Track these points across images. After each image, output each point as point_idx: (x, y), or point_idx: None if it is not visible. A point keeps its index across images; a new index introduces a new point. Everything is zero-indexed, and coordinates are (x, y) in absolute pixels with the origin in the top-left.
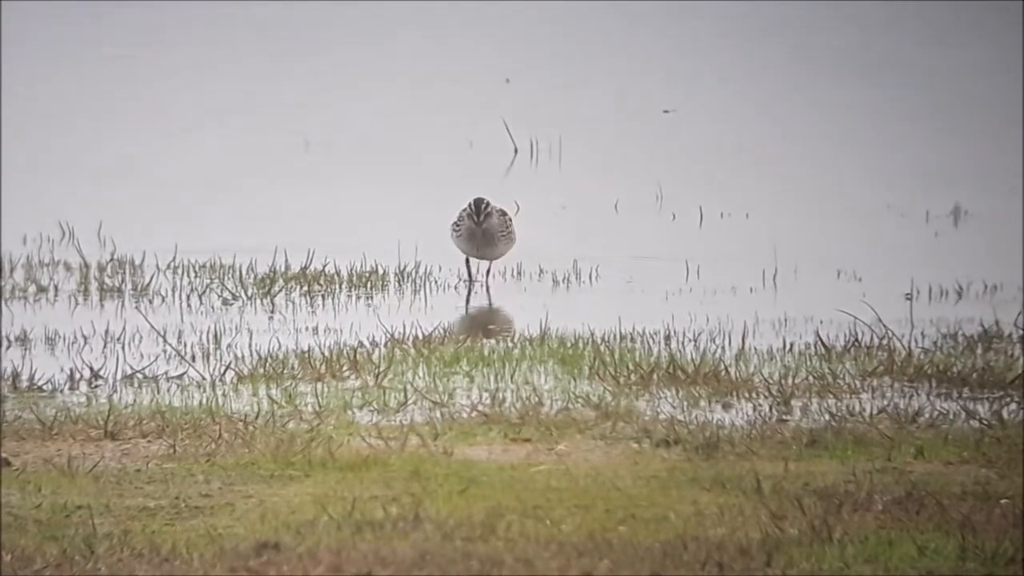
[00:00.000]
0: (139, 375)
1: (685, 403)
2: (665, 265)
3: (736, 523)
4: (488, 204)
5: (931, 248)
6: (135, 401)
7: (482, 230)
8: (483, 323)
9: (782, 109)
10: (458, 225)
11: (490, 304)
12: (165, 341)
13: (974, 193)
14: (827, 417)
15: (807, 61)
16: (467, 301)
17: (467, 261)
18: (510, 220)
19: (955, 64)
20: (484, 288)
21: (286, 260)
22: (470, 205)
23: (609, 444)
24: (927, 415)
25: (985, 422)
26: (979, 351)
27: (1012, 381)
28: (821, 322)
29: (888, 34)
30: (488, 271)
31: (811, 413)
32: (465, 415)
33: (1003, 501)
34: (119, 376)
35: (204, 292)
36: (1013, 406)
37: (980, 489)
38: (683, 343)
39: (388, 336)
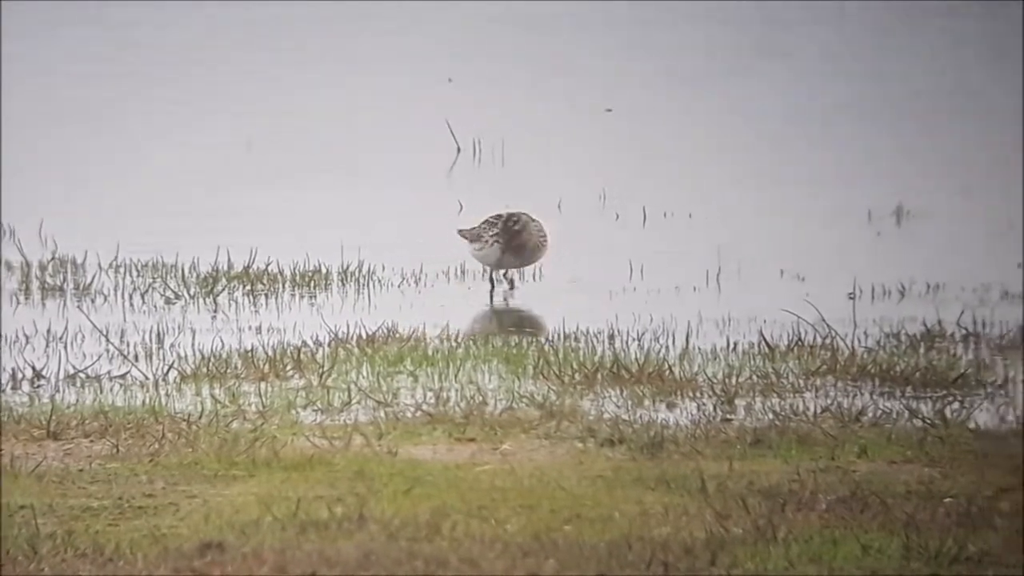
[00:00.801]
0: (81, 375)
1: (629, 402)
2: (608, 264)
3: (681, 522)
4: (517, 220)
5: (874, 248)
6: (78, 401)
7: (514, 247)
8: (511, 322)
9: (725, 109)
10: (480, 238)
11: (506, 305)
12: (107, 340)
13: (917, 193)
14: (771, 416)
15: (751, 62)
16: (491, 300)
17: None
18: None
19: (900, 65)
20: (509, 288)
21: (229, 259)
22: (506, 220)
23: (554, 443)
24: (870, 414)
25: (928, 421)
26: (922, 350)
27: (955, 380)
28: (764, 321)
29: (833, 35)
30: (511, 282)
31: (755, 412)
32: (409, 415)
33: (946, 500)
34: (61, 376)
35: (146, 291)
36: (956, 405)
37: (924, 488)
38: (627, 342)
39: (332, 335)
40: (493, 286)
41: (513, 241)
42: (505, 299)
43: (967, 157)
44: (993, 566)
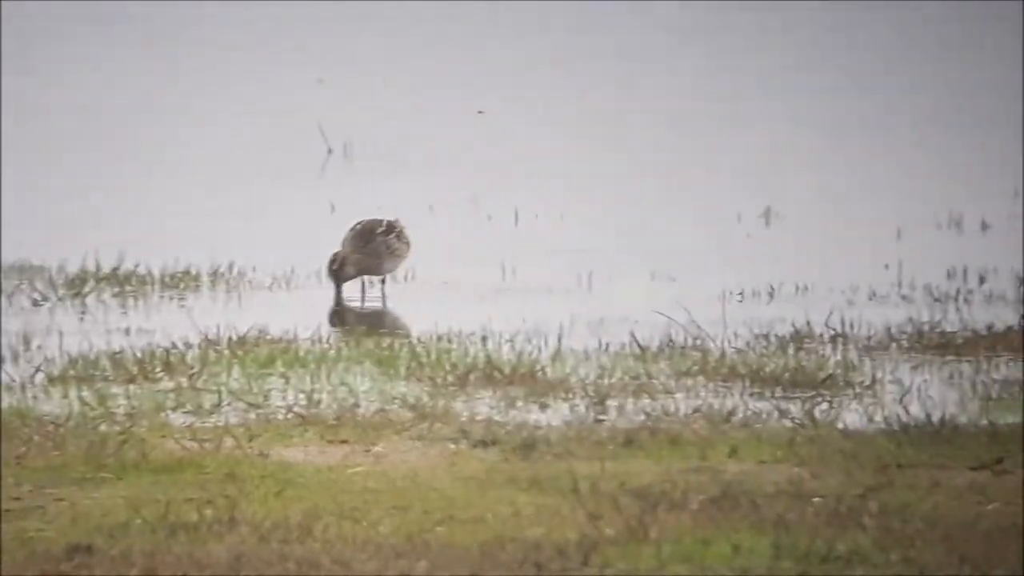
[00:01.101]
0: None
1: (502, 404)
2: (481, 266)
3: (553, 523)
4: (336, 263)
5: (743, 249)
6: None
7: (335, 274)
8: (374, 323)
9: (597, 111)
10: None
11: (384, 307)
12: None
13: (785, 195)
14: (642, 417)
15: (622, 62)
16: (362, 301)
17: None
18: (394, 238)
19: (766, 68)
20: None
21: (96, 261)
22: (328, 264)
23: (426, 445)
24: (741, 415)
25: (797, 421)
26: (791, 351)
27: (823, 381)
28: (636, 322)
29: (706, 39)
30: (383, 281)
31: (627, 413)
32: (281, 416)
33: (816, 500)
34: None
35: (12, 293)
36: (824, 405)
37: (793, 488)
38: (500, 343)
39: (202, 337)
40: (363, 287)
41: (340, 280)
42: (362, 300)
43: (835, 159)
44: (861, 565)
